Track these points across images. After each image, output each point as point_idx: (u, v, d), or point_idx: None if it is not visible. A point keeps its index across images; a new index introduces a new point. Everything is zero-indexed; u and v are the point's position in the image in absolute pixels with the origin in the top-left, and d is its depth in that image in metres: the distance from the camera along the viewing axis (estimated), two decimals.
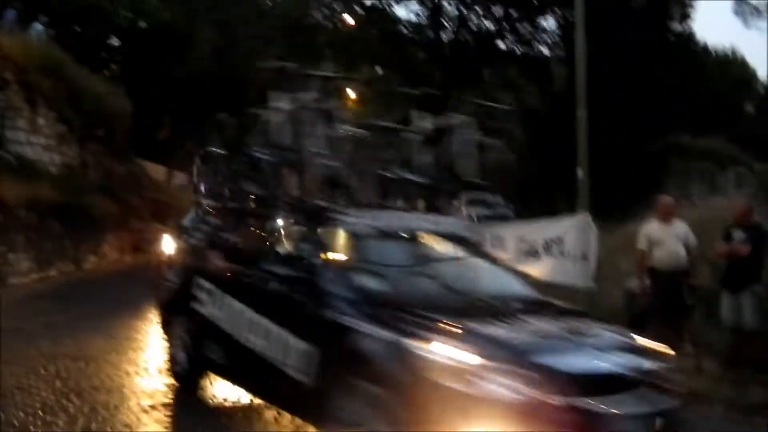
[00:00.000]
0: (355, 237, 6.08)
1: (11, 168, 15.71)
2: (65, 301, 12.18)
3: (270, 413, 6.39)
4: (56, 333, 9.53)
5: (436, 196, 10.11)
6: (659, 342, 7.55)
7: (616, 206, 14.63)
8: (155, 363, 8.22)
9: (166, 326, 7.76)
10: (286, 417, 6.11)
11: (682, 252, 9.45)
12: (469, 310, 5.42)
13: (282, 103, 9.66)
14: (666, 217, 9.81)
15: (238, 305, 6.32)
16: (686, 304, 9.29)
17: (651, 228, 9.67)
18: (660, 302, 9.56)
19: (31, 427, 5.66)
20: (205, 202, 10.18)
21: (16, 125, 17.30)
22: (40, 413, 6.05)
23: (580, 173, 10.21)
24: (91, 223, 17.87)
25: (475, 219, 21.79)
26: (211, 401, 6.85)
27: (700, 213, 12.24)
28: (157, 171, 32.27)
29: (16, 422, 5.77)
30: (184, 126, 33.18)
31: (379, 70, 35.97)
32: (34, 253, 14.75)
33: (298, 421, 5.88)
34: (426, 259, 6.15)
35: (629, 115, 21.42)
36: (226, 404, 6.80)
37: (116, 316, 11.14)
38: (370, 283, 5.53)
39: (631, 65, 22.16)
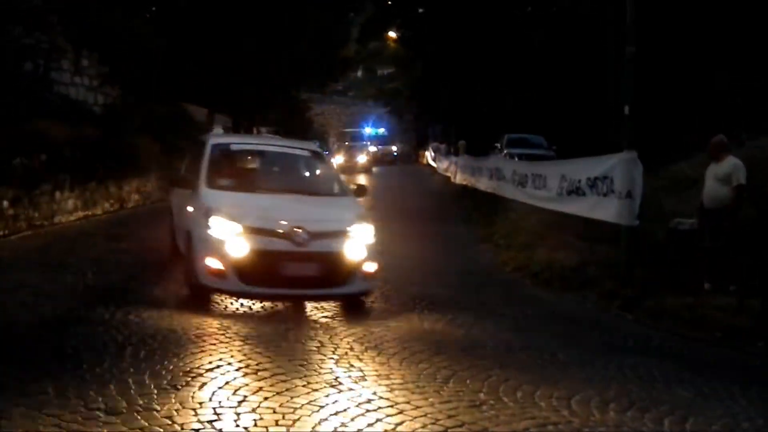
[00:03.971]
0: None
1: (56, 108, 15.87)
2: (110, 238, 12.39)
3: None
4: (102, 268, 9.73)
5: None
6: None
7: (668, 146, 14.40)
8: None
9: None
10: None
11: (719, 191, 9.43)
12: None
13: None
14: (714, 155, 9.74)
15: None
16: (727, 242, 9.24)
17: (708, 167, 9.80)
18: (699, 238, 9.59)
19: (84, 355, 5.80)
20: None
21: (61, 66, 17.45)
22: (91, 342, 6.21)
23: (627, 110, 10.04)
24: (135, 163, 18.05)
25: (516, 158, 21.64)
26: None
27: (749, 153, 12.00)
28: (198, 112, 32.43)
29: (70, 350, 5.93)
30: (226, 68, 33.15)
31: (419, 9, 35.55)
32: (80, 192, 14.97)
33: None
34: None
35: (680, 53, 20.85)
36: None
37: (160, 252, 11.32)
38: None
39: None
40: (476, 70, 33.85)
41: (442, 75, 38.35)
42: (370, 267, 8.25)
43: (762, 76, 18.31)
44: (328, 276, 8.00)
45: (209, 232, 7.85)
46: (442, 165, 36.73)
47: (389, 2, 38.08)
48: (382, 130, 60.95)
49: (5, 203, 11.93)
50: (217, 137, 11.09)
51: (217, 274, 7.72)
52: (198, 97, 32.27)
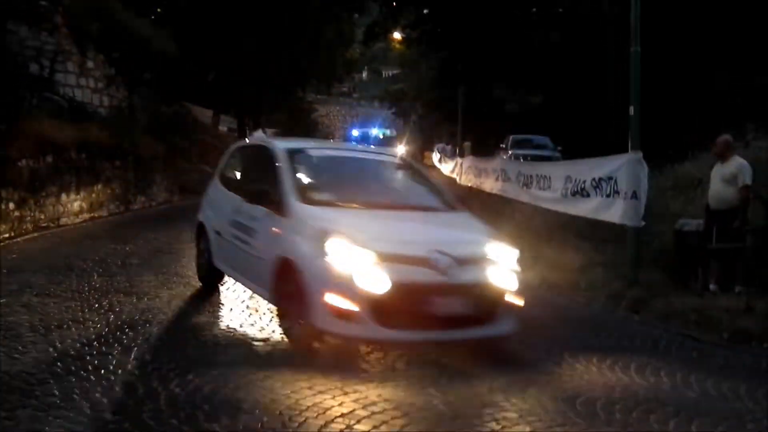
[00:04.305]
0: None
1: (62, 110, 15.93)
2: (116, 240, 12.41)
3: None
4: (108, 270, 9.74)
5: None
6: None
7: (670, 147, 14.37)
8: (204, 297, 8.39)
9: None
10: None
11: (725, 192, 9.38)
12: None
13: None
14: (720, 155, 9.70)
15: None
16: (734, 243, 9.20)
17: (713, 167, 9.75)
18: (705, 239, 9.55)
19: (88, 357, 5.80)
20: None
21: (66, 68, 17.51)
22: (96, 344, 6.21)
23: (632, 111, 10.01)
24: (140, 165, 18.11)
25: (521, 159, 21.62)
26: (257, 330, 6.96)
27: (755, 153, 11.97)
28: (203, 114, 32.50)
29: (73, 351, 5.93)
30: (231, 70, 33.22)
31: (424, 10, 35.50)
32: (85, 194, 15.02)
33: None
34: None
35: (689, 54, 20.80)
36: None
37: (165, 254, 11.35)
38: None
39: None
40: (478, 70, 33.84)
41: (448, 75, 38.32)
42: (518, 299, 6.68)
43: (762, 76, 18.25)
44: (479, 313, 6.43)
45: (328, 260, 6.11)
46: (447, 167, 36.57)
47: (394, 3, 38.04)
48: (389, 131, 60.52)
49: (11, 205, 11.97)
50: (280, 141, 8.89)
51: (345, 315, 5.97)
52: (202, 99, 32.34)
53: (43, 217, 13.07)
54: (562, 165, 14.48)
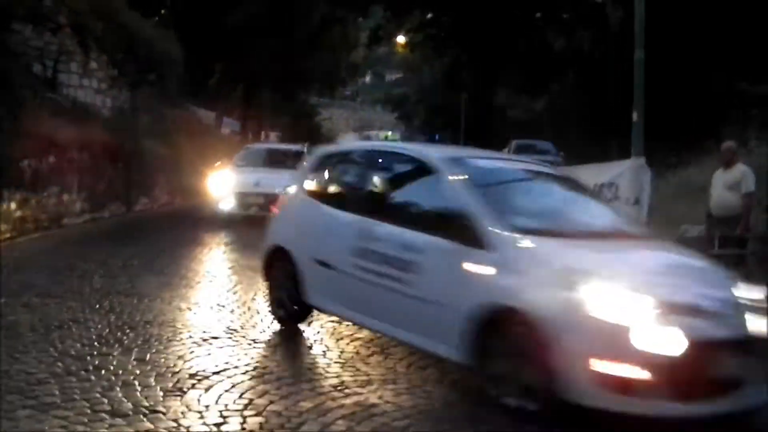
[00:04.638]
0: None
1: (65, 110, 15.92)
2: (117, 241, 12.42)
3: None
4: (109, 271, 9.73)
5: None
6: None
7: (671, 152, 14.36)
8: (205, 299, 8.38)
9: None
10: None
11: (729, 199, 9.38)
12: None
13: None
14: (724, 162, 9.70)
15: None
16: (736, 250, 9.20)
17: (715, 173, 9.75)
18: (707, 246, 9.54)
19: (88, 357, 5.79)
20: None
21: (69, 68, 17.50)
22: (96, 344, 6.20)
23: (635, 116, 10.00)
24: (142, 166, 18.11)
25: None
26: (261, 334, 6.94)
27: (758, 161, 11.96)
28: (206, 116, 32.49)
29: (73, 352, 5.93)
30: (235, 72, 33.26)
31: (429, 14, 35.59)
32: (87, 195, 15.02)
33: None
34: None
35: (688, 59, 20.80)
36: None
37: (167, 255, 11.34)
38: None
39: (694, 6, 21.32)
40: (481, 75, 33.88)
41: (451, 80, 38.43)
42: None
43: (763, 85, 18.22)
44: (749, 373, 4.80)
45: (590, 312, 4.60)
46: None
47: (398, 7, 38.13)
48: (390, 134, 60.26)
49: (13, 205, 11.97)
50: (424, 147, 7.59)
51: (624, 387, 4.46)
52: (205, 100, 32.39)
53: (44, 217, 13.07)
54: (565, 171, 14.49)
